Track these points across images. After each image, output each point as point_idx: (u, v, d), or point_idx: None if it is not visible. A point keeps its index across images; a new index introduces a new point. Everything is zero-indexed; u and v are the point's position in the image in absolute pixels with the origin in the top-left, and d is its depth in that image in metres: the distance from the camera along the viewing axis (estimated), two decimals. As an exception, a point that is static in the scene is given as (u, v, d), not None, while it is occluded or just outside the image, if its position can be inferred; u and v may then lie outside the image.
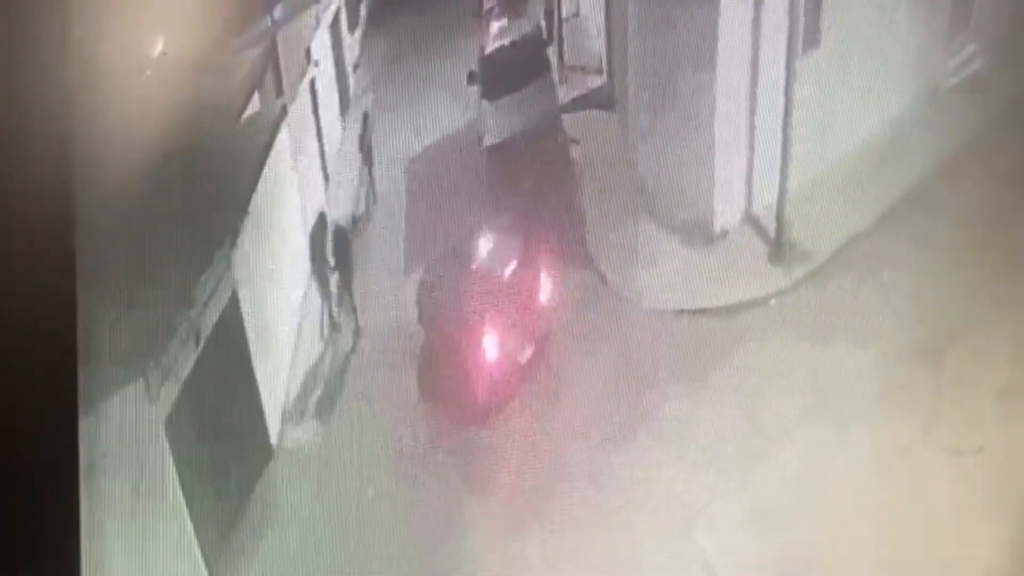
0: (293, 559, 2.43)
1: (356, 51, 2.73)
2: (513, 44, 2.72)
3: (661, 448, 2.47)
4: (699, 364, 2.51)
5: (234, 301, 2.49)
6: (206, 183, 2.45)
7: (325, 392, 2.59)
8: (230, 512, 2.42)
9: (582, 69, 2.73)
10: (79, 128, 2.25)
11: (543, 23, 2.73)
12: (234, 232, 2.48)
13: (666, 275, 2.57)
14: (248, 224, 2.51)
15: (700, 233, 2.62)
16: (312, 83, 2.70)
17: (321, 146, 2.72)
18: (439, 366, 2.57)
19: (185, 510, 2.34)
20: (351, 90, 2.73)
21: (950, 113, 2.57)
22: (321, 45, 2.71)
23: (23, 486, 2.14)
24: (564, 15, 2.70)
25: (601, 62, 2.71)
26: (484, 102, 2.68)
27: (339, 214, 2.68)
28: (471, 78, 2.68)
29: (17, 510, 2.14)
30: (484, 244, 2.61)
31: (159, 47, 2.39)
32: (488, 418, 2.54)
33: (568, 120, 2.69)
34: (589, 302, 2.60)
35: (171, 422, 2.35)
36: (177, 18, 2.40)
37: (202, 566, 2.36)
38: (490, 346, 2.58)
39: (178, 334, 2.39)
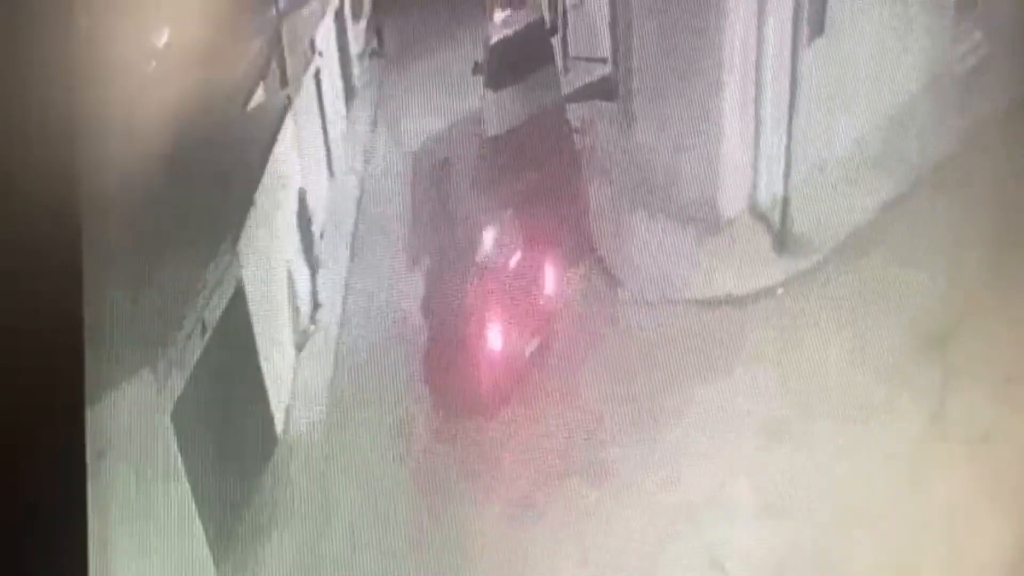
0: (298, 547, 2.45)
1: (361, 41, 2.73)
2: (517, 34, 2.71)
3: (667, 439, 2.46)
4: (705, 355, 2.50)
5: (240, 292, 2.50)
6: (211, 174, 2.46)
7: (329, 384, 2.60)
8: (235, 500, 2.43)
9: (586, 59, 2.72)
10: (84, 119, 2.27)
11: (547, 13, 2.71)
12: (239, 223, 2.49)
13: (671, 265, 2.56)
14: (253, 215, 2.52)
15: (705, 222, 2.60)
16: (317, 73, 2.70)
17: (326, 137, 2.71)
18: (443, 358, 2.57)
19: (191, 498, 2.37)
20: (355, 80, 2.72)
21: (958, 100, 2.55)
22: (326, 35, 2.71)
23: (31, 475, 2.16)
24: (568, 4, 2.69)
25: (605, 51, 2.70)
26: (488, 92, 2.67)
27: (342, 204, 2.69)
28: (476, 68, 2.67)
29: (25, 499, 2.16)
30: (488, 235, 2.60)
31: (165, 38, 2.40)
32: (493, 410, 2.54)
33: (572, 110, 2.68)
34: (594, 293, 2.59)
35: (177, 412, 2.37)
36: (183, 8, 2.41)
37: (207, 553, 2.38)
38: (495, 338, 2.57)
39: (184, 325, 2.41)
